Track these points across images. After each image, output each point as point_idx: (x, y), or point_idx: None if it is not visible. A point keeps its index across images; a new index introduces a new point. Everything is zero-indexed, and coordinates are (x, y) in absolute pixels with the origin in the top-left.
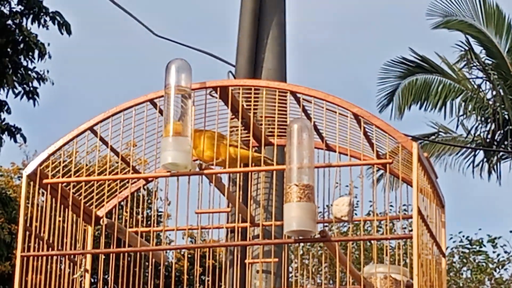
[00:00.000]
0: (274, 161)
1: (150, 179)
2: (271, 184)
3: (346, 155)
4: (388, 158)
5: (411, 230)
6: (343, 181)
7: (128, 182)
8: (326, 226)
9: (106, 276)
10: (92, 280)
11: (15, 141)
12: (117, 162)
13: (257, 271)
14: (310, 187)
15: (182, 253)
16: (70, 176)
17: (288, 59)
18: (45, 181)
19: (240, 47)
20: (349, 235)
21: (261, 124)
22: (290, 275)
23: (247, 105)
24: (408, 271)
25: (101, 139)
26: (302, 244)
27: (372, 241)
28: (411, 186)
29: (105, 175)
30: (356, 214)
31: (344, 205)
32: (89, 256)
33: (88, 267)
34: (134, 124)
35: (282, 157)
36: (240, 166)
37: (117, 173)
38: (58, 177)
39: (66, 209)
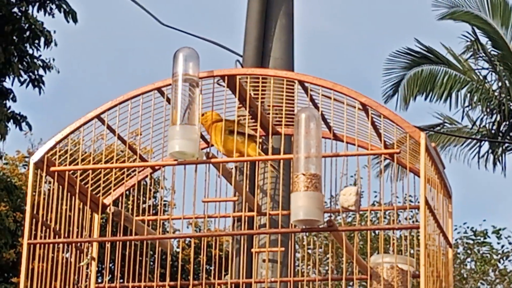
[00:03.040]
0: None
1: (157, 167)
2: (278, 173)
3: (354, 144)
4: (395, 148)
5: (418, 221)
6: (350, 171)
7: (135, 170)
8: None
9: (112, 265)
10: (98, 269)
11: (21, 129)
12: (123, 151)
13: (264, 260)
14: (317, 176)
15: (187, 242)
16: (77, 164)
17: (296, 49)
18: (52, 168)
19: (248, 36)
20: (356, 225)
21: (269, 113)
22: (296, 264)
23: (254, 94)
24: (414, 261)
25: (108, 127)
26: (307, 234)
27: (379, 231)
28: (418, 176)
29: (112, 163)
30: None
31: (351, 194)
32: (95, 244)
33: (95, 255)
34: (142, 113)
35: (289, 146)
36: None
37: (124, 162)
38: (65, 165)
39: (73, 197)
